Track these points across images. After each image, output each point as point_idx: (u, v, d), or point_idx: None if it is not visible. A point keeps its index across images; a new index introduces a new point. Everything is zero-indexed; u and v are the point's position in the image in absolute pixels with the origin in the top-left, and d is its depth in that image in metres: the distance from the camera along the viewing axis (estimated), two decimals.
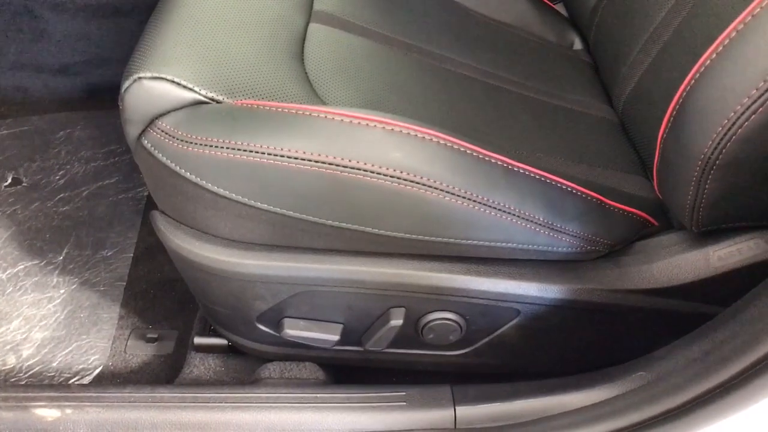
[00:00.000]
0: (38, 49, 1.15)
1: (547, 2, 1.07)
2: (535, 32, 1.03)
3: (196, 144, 0.59)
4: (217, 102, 0.63)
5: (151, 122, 0.62)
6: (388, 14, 0.89)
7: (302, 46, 0.74)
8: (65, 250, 1.00)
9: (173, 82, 0.61)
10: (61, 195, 1.08)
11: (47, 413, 0.65)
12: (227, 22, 0.68)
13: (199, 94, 0.62)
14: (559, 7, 1.08)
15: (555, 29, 1.03)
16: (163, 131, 0.61)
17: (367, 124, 0.59)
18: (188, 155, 0.60)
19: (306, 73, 0.71)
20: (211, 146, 0.59)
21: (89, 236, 1.02)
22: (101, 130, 1.18)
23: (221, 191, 0.60)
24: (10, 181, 1.09)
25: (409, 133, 0.59)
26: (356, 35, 0.81)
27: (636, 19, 0.79)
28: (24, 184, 1.09)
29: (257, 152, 0.58)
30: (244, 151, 0.58)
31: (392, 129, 0.59)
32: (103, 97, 1.21)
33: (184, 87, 0.61)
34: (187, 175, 0.60)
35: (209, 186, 0.60)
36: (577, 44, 1.01)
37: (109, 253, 1.00)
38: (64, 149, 1.15)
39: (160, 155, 0.61)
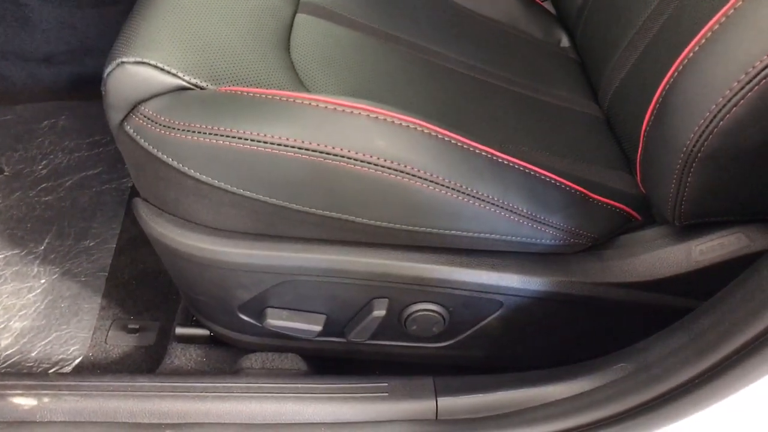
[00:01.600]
0: (23, 38, 1.14)
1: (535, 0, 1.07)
2: (522, 29, 1.03)
3: (178, 130, 0.59)
4: (201, 88, 0.62)
5: (134, 108, 0.61)
6: (376, 7, 0.89)
7: (289, 35, 0.74)
8: (47, 240, 0.99)
9: (157, 67, 0.60)
10: (44, 185, 1.07)
11: (24, 401, 0.64)
12: (214, 9, 0.68)
13: (183, 80, 0.61)
14: (547, 5, 1.08)
15: (542, 26, 1.03)
16: (145, 117, 0.60)
17: (352, 112, 0.58)
18: (171, 141, 0.59)
19: (292, 62, 0.71)
20: (194, 132, 0.58)
21: (71, 226, 1.01)
22: (86, 121, 1.17)
23: (204, 178, 0.60)
24: None
25: (393, 122, 0.59)
26: (343, 26, 0.81)
27: (622, 18, 0.80)
28: (6, 174, 1.08)
29: (240, 138, 0.57)
30: (228, 137, 0.58)
31: (377, 117, 0.59)
32: (88, 87, 1.20)
33: (168, 72, 0.61)
34: (170, 161, 0.60)
35: (192, 172, 0.60)
36: (564, 41, 1.02)
37: (91, 244, 0.99)
38: (48, 139, 1.14)
39: (143, 141, 0.61)
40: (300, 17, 0.77)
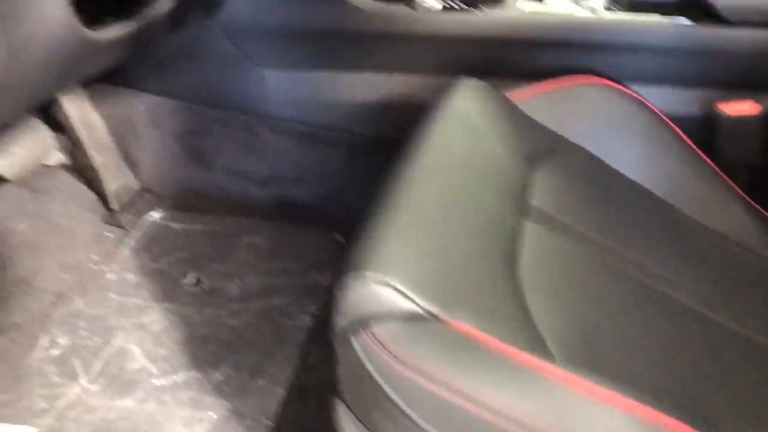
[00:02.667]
0: (248, 160, 1.23)
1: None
2: (751, 247, 0.93)
3: (409, 367, 0.56)
4: (434, 316, 0.60)
5: (364, 323, 0.60)
6: (603, 215, 0.85)
7: (515, 248, 0.71)
8: (224, 369, 1.01)
9: (396, 289, 0.59)
10: (233, 306, 1.10)
11: None
12: (445, 224, 0.67)
13: (419, 306, 0.59)
14: None
15: None
16: (377, 339, 0.58)
17: (608, 406, 0.52)
18: (399, 376, 0.56)
19: (520, 285, 0.67)
20: (426, 376, 0.55)
21: (249, 358, 1.02)
22: (281, 242, 1.22)
23: (424, 425, 0.56)
24: (194, 281, 1.14)
25: (650, 424, 0.52)
26: (571, 240, 0.77)
27: None
28: (203, 286, 1.14)
29: (476, 402, 0.53)
30: (462, 394, 0.54)
31: (633, 415, 0.52)
32: (290, 210, 1.26)
33: (406, 296, 0.59)
34: (393, 395, 0.57)
35: (414, 416, 0.56)
36: None
37: (262, 384, 0.99)
38: (244, 256, 1.20)
39: (368, 363, 0.59)
40: (527, 226, 0.75)
